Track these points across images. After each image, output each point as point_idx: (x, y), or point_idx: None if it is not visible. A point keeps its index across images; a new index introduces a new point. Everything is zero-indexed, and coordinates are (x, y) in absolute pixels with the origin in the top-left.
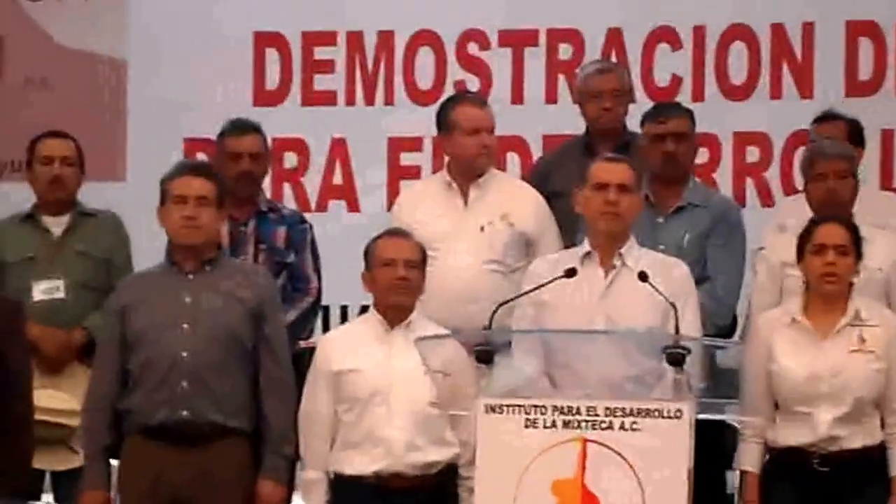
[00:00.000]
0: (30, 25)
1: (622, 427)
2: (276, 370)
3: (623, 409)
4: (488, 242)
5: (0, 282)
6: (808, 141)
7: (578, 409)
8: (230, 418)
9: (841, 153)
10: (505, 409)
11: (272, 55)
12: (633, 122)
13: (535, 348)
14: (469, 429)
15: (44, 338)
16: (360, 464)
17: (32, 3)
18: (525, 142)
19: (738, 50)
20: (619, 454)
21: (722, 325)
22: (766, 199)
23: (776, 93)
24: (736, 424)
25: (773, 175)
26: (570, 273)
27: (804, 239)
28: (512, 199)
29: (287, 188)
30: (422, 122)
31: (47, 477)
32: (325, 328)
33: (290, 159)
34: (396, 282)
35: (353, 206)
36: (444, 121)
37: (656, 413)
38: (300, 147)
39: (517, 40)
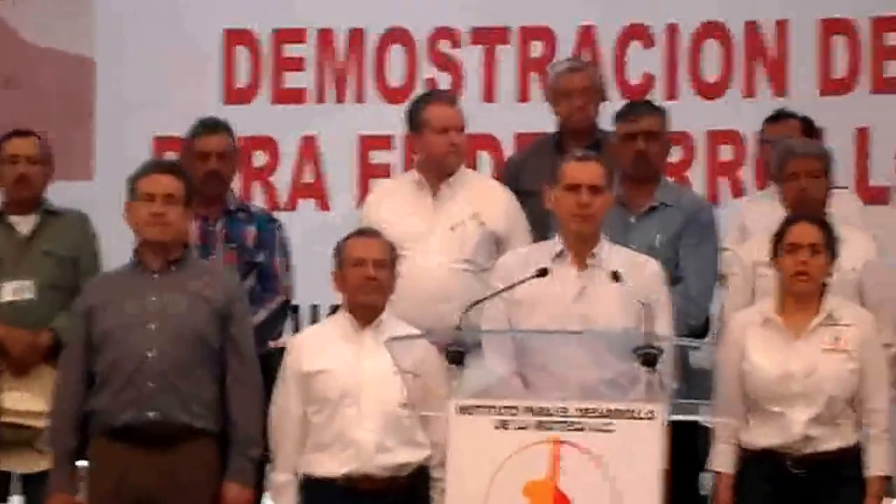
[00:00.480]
0: None
1: (595, 428)
2: (242, 371)
3: (596, 410)
4: (459, 242)
5: None
6: (762, 141)
7: (551, 410)
8: (197, 419)
9: (814, 152)
10: (476, 410)
11: (241, 53)
12: (605, 121)
13: (507, 349)
14: (440, 430)
15: (10, 339)
16: (330, 465)
17: (0, 1)
18: (496, 140)
19: (712, 48)
20: (592, 456)
21: (695, 325)
22: (740, 199)
23: (750, 91)
24: (709, 425)
25: (746, 174)
26: (543, 273)
27: (777, 238)
28: (483, 199)
29: (256, 187)
30: (392, 120)
31: (16, 479)
32: (296, 328)
33: (260, 158)
34: (366, 281)
35: (323, 205)
36: (414, 119)
37: (629, 414)
38: (270, 145)
39: (488, 38)
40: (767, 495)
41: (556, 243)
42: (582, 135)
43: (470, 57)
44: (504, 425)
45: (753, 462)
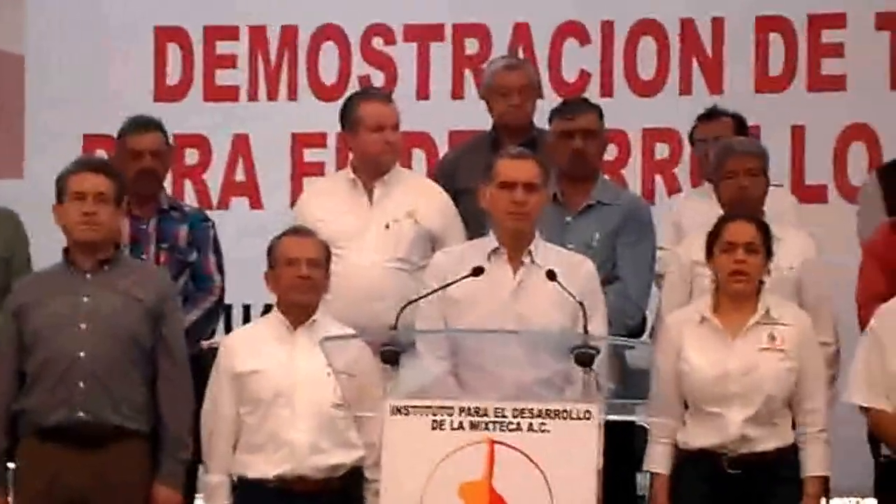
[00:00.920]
0: None
1: (530, 428)
2: (173, 372)
3: (531, 411)
4: (394, 240)
5: None
6: (695, 140)
7: (486, 410)
8: (128, 420)
9: (752, 150)
10: (411, 410)
11: (173, 50)
12: (541, 119)
13: (442, 348)
14: (375, 431)
15: None
16: (263, 467)
17: None
18: (431, 138)
19: (647, 45)
20: (528, 456)
21: (632, 324)
22: (675, 196)
23: (686, 88)
24: (646, 425)
25: (682, 171)
26: (478, 272)
27: (714, 237)
28: (417, 197)
29: (188, 185)
30: (326, 118)
31: None
32: (228, 328)
33: (192, 156)
34: (299, 281)
35: (256, 204)
36: (348, 117)
37: (565, 414)
38: (202, 143)
39: (422, 35)
40: (704, 495)
41: (490, 241)
42: (518, 132)
43: (404, 54)
44: (439, 426)
45: (690, 462)
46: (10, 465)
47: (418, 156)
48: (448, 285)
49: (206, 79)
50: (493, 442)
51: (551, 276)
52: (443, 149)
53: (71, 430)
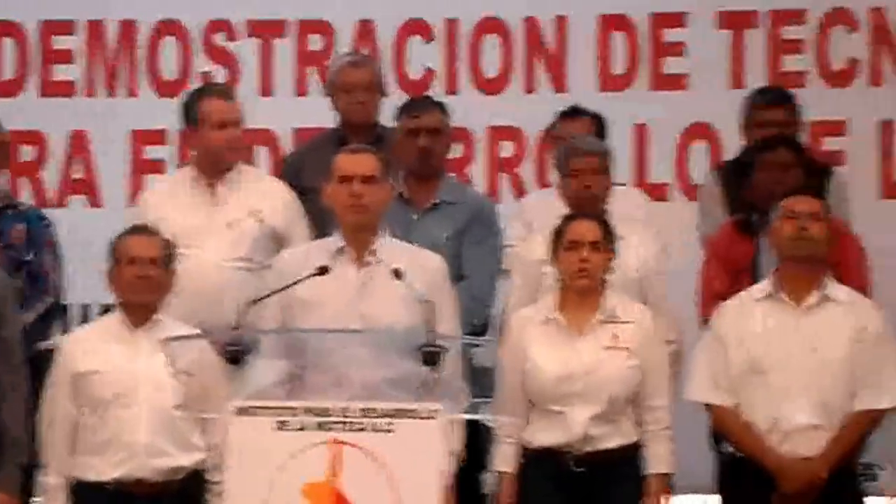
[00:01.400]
0: None
1: (376, 428)
2: (10, 374)
3: (377, 411)
4: (237, 239)
5: None
6: (554, 137)
7: (331, 410)
8: None
9: (595, 149)
10: (255, 411)
11: (8, 44)
12: (388, 118)
13: (286, 348)
14: (218, 432)
15: None
16: (102, 469)
17: None
18: (274, 135)
19: (491, 43)
20: (373, 456)
21: (478, 323)
22: (521, 195)
23: (530, 87)
24: (491, 425)
25: (527, 170)
26: (323, 271)
27: (557, 236)
28: (261, 195)
29: (24, 183)
30: (166, 114)
31: None
32: (65, 329)
33: (28, 153)
34: (138, 280)
35: (95, 202)
36: (190, 114)
37: (411, 414)
38: (38, 140)
39: (265, 31)
40: (549, 494)
41: (335, 240)
42: (363, 130)
43: (246, 50)
44: (283, 426)
45: (535, 461)
46: None
47: (261, 153)
48: (290, 285)
49: (42, 74)
50: (338, 442)
51: (397, 274)
52: (287, 146)
53: None
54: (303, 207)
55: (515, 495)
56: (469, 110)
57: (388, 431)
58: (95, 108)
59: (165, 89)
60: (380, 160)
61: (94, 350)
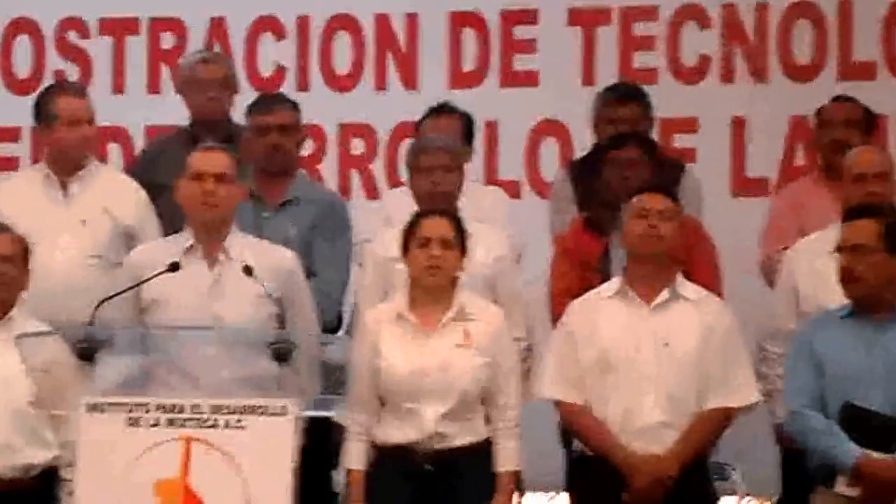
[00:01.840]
0: None
1: (227, 425)
2: None
3: (228, 407)
4: (90, 236)
5: None
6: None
7: (183, 406)
8: None
9: (445, 146)
10: (107, 407)
11: None
12: (239, 116)
13: (138, 345)
14: (71, 429)
15: None
16: None
17: None
18: (127, 133)
19: (343, 40)
20: (223, 452)
21: (328, 320)
22: (371, 193)
23: (381, 84)
24: (342, 422)
25: (378, 167)
26: (174, 267)
27: (408, 232)
28: (113, 192)
29: None
30: (20, 111)
31: None
32: None
33: None
34: None
35: None
36: (42, 111)
37: (261, 410)
38: None
39: (118, 29)
40: (400, 492)
41: (186, 238)
42: (214, 127)
43: (99, 48)
44: (135, 423)
45: (386, 458)
46: None
47: (114, 150)
48: (142, 283)
49: None
50: (189, 439)
51: (248, 271)
52: (139, 144)
53: None
54: (155, 205)
55: (366, 493)
56: (320, 107)
57: (239, 428)
58: None
59: (19, 87)
60: (232, 159)
61: None
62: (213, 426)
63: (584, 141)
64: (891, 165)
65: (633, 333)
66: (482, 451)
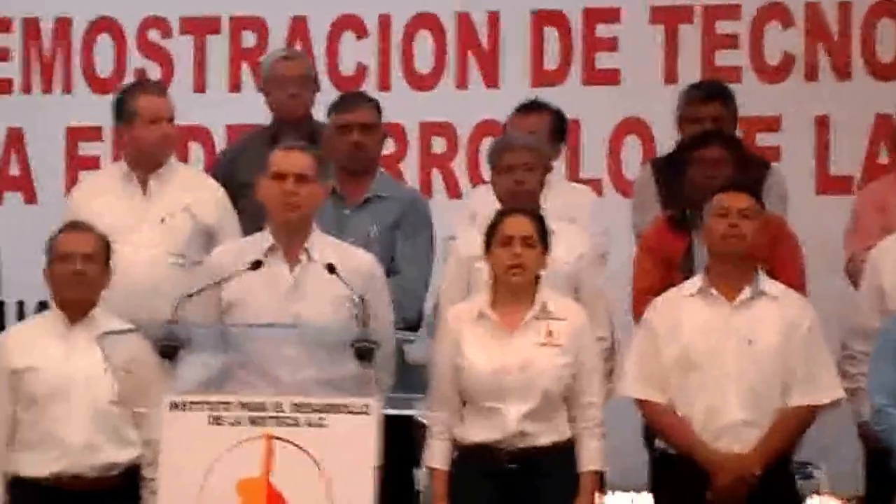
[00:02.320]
0: None
1: (309, 423)
2: None
3: (310, 405)
4: (170, 235)
5: None
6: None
7: (265, 405)
8: None
9: (528, 144)
10: (190, 406)
11: None
12: (320, 115)
13: (219, 345)
14: (154, 428)
15: None
16: (38, 465)
17: None
18: (208, 131)
19: (424, 39)
20: (306, 451)
21: (410, 318)
22: (452, 191)
23: (462, 82)
24: (424, 421)
25: (459, 166)
26: (256, 265)
27: (491, 231)
28: (193, 191)
29: None
30: (101, 111)
31: None
32: (2, 326)
33: None
34: (72, 276)
35: (31, 198)
36: (123, 110)
37: (343, 409)
38: None
39: (199, 28)
40: (482, 490)
41: (266, 237)
42: (296, 125)
43: (180, 47)
44: (217, 421)
45: (468, 457)
46: None
47: (195, 150)
48: (226, 280)
49: None
50: (271, 437)
51: (331, 269)
52: (220, 143)
53: None
54: (237, 204)
55: (448, 492)
56: (401, 106)
57: (321, 426)
58: (31, 104)
59: (100, 86)
60: (315, 158)
61: (30, 346)
62: (295, 425)
63: (665, 139)
64: None
65: (716, 331)
66: (565, 451)
